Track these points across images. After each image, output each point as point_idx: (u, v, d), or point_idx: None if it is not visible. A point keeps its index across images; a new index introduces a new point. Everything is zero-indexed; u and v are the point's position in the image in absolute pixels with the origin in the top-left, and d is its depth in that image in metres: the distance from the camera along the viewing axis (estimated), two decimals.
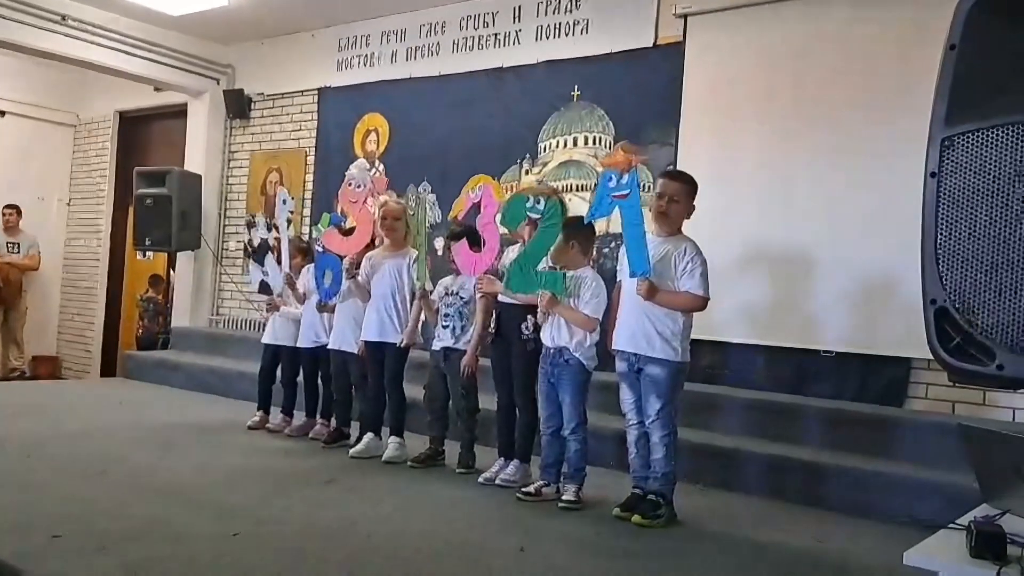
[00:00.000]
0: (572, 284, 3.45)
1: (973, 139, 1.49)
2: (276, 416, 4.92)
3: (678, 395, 3.34)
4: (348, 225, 4.51)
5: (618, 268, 3.58)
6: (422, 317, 4.26)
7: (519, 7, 5.93)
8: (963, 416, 4.05)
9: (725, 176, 4.74)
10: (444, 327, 4.06)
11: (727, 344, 4.84)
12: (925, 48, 3.88)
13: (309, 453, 4.36)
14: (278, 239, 4.87)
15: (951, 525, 2.02)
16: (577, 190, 5.53)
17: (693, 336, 3.39)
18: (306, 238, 5.82)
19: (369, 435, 4.29)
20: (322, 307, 4.58)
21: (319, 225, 4.53)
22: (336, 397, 4.63)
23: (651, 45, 5.31)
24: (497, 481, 3.76)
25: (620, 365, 3.40)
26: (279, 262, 4.84)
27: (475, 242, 3.82)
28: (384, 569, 2.60)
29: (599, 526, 3.21)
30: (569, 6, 5.71)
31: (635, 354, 3.31)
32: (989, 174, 1.46)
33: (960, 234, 1.50)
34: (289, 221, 4.84)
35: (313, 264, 4.72)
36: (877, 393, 4.44)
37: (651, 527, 3.20)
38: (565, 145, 5.66)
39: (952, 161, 1.51)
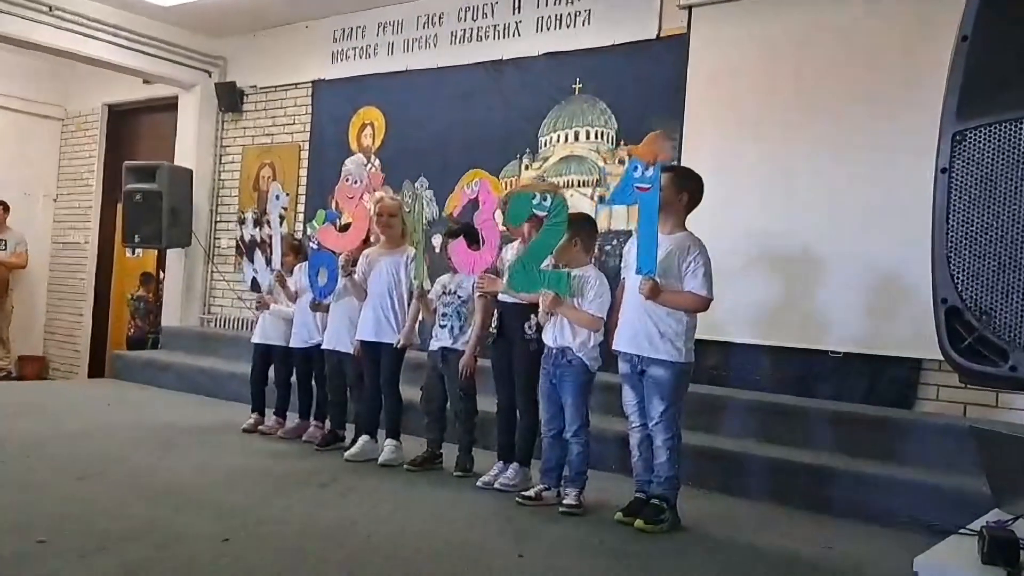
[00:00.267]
0: (576, 283, 3.39)
1: (986, 133, 1.45)
2: (269, 418, 4.85)
3: (682, 397, 3.30)
4: (343, 222, 4.41)
5: (622, 266, 3.52)
6: (420, 317, 4.19)
7: None
8: (975, 419, 3.99)
9: (729, 169, 4.70)
10: (442, 327, 4.00)
11: (730, 344, 4.79)
12: (929, 42, 3.92)
13: (304, 455, 4.34)
14: (270, 235, 4.78)
15: (962, 530, 2.03)
16: (578, 186, 5.43)
17: (695, 336, 3.32)
18: (299, 235, 5.72)
19: (365, 437, 4.24)
20: (316, 306, 4.49)
21: (314, 222, 4.46)
22: (331, 398, 4.57)
23: (655, 37, 5.24)
24: (496, 485, 3.73)
25: (623, 366, 3.36)
26: (270, 260, 4.77)
27: (473, 240, 3.74)
28: (384, 569, 2.62)
29: (601, 531, 3.17)
30: None
31: (637, 355, 3.26)
32: (1002, 170, 1.42)
33: (972, 231, 1.45)
34: (282, 217, 4.75)
35: (306, 263, 4.64)
36: (885, 395, 4.38)
37: (654, 532, 3.16)
38: (566, 140, 5.56)
39: (964, 156, 1.47)
